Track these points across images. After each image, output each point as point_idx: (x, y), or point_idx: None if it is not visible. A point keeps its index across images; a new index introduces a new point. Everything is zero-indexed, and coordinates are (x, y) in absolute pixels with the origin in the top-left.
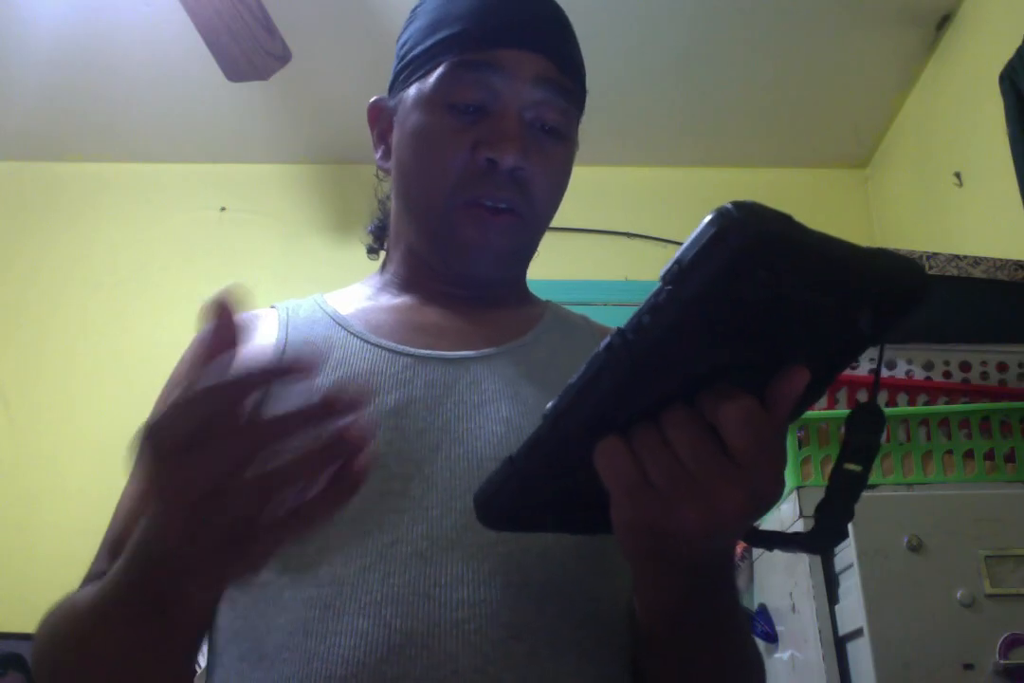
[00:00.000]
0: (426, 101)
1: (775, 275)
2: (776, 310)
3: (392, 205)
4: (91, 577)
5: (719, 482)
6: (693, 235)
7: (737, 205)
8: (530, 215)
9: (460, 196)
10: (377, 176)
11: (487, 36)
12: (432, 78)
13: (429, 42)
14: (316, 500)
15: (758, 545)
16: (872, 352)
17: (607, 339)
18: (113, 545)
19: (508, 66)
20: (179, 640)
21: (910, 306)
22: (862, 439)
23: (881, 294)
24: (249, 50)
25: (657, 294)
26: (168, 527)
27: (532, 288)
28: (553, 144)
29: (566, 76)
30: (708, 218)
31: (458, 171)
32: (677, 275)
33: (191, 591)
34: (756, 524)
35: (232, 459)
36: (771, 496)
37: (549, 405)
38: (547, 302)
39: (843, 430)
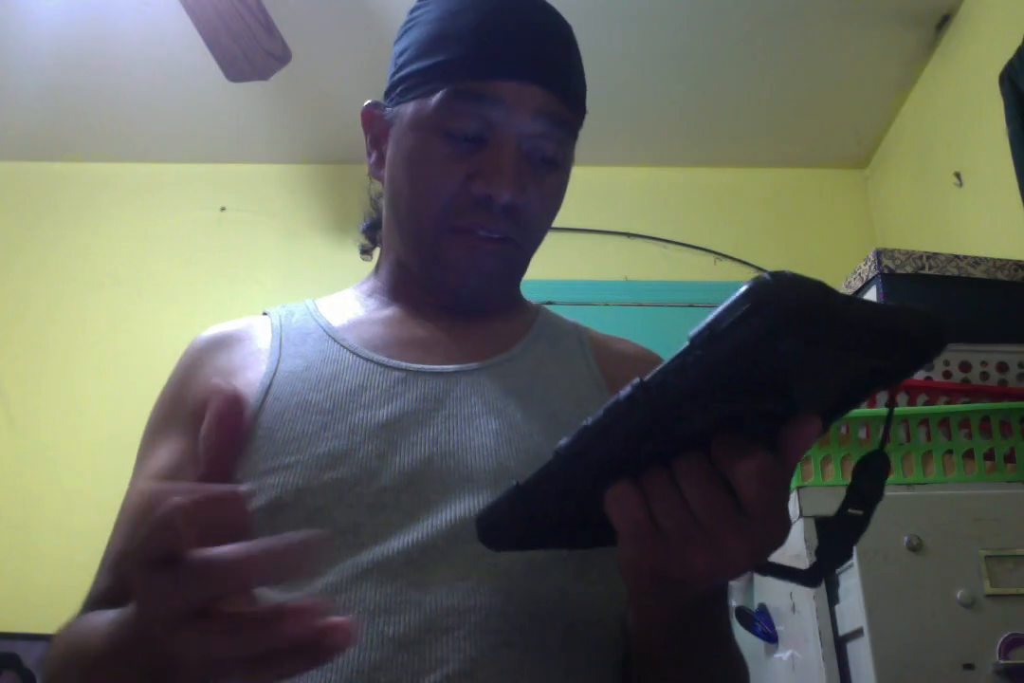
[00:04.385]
0: (423, 125)
1: (805, 341)
2: (799, 367)
3: (384, 215)
4: (93, 597)
5: (728, 532)
6: (728, 302)
7: (775, 276)
8: (522, 241)
9: (451, 222)
10: (369, 175)
11: (487, 66)
12: (431, 102)
13: (428, 62)
14: (285, 658)
15: (758, 572)
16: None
17: (627, 389)
18: (114, 564)
19: (508, 99)
20: None
21: (928, 357)
22: (867, 486)
23: (902, 348)
24: (249, 50)
25: (686, 355)
26: (150, 627)
27: (532, 288)
28: (548, 173)
29: (566, 107)
30: (744, 288)
31: (450, 198)
32: (708, 341)
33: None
34: None
35: (192, 594)
36: (777, 542)
37: (562, 443)
38: (539, 308)
39: (851, 475)
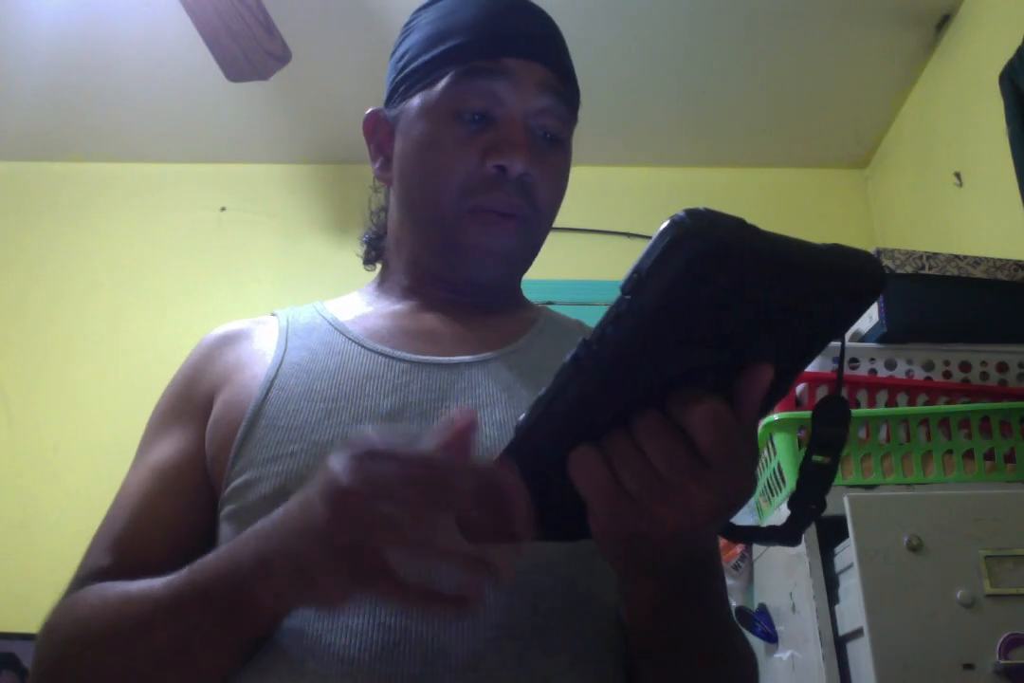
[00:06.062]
0: (432, 110)
1: (732, 280)
2: (738, 311)
3: (393, 215)
4: (89, 572)
5: (691, 484)
6: (649, 245)
7: (690, 213)
8: (534, 220)
9: (468, 202)
10: (372, 187)
11: (493, 45)
12: (438, 87)
13: (433, 53)
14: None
15: (736, 540)
16: (873, 352)
17: (573, 350)
18: (117, 542)
19: (514, 74)
20: (240, 643)
21: (869, 298)
22: (828, 431)
23: (839, 289)
24: (249, 50)
25: (618, 304)
26: (326, 542)
27: (533, 288)
28: (554, 151)
29: (565, 85)
30: (662, 227)
31: (466, 178)
32: (636, 285)
33: (280, 597)
34: (753, 521)
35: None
36: (743, 493)
37: (521, 417)
38: (541, 307)
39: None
